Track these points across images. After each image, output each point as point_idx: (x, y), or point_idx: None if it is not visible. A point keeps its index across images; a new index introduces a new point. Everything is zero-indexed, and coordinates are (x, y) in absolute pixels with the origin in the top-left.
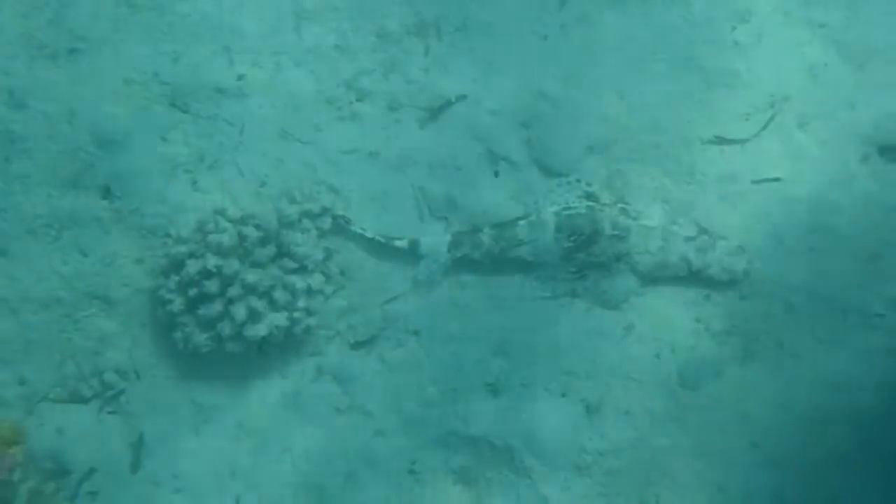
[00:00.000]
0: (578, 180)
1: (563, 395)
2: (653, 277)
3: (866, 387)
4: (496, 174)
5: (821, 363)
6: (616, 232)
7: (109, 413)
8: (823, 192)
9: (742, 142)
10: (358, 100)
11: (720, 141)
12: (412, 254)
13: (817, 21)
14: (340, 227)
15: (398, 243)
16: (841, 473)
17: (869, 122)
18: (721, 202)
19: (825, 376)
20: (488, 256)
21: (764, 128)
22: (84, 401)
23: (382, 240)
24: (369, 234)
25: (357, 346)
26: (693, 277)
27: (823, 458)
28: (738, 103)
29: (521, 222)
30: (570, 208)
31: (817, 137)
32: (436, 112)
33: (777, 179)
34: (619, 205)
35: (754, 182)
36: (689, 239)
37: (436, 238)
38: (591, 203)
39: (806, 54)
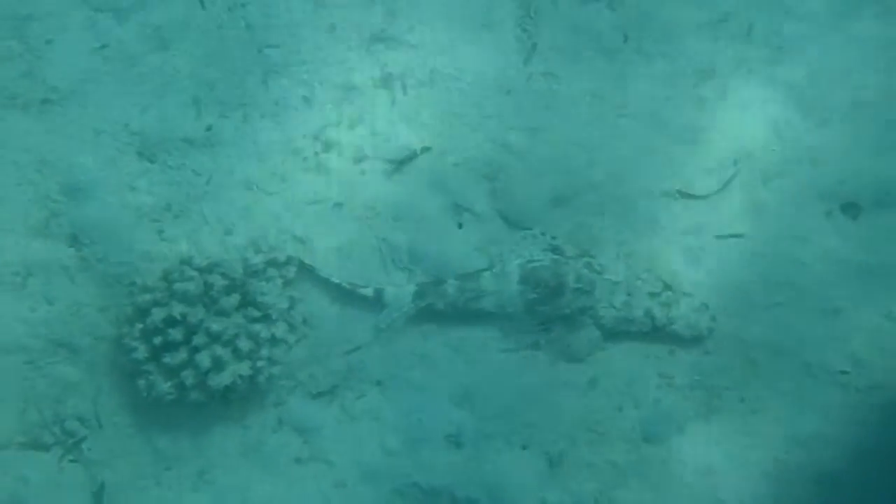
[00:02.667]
0: (543, 233)
1: (525, 448)
2: (617, 332)
3: (830, 443)
4: (460, 226)
5: (784, 419)
6: (580, 285)
7: (71, 461)
8: (786, 247)
9: (705, 197)
10: (324, 151)
11: (684, 196)
12: (376, 302)
13: (780, 79)
14: (305, 274)
15: (363, 291)
16: None
17: (831, 179)
18: (684, 257)
19: (789, 432)
20: (452, 307)
21: (727, 183)
22: (46, 448)
23: (348, 286)
24: (335, 280)
25: (318, 395)
26: (657, 333)
27: None
28: (702, 158)
29: (486, 273)
30: (534, 260)
31: (780, 194)
32: (400, 164)
33: (740, 235)
34: (584, 258)
35: (718, 237)
36: (653, 294)
37: (400, 288)
38: (555, 256)
39: (769, 111)
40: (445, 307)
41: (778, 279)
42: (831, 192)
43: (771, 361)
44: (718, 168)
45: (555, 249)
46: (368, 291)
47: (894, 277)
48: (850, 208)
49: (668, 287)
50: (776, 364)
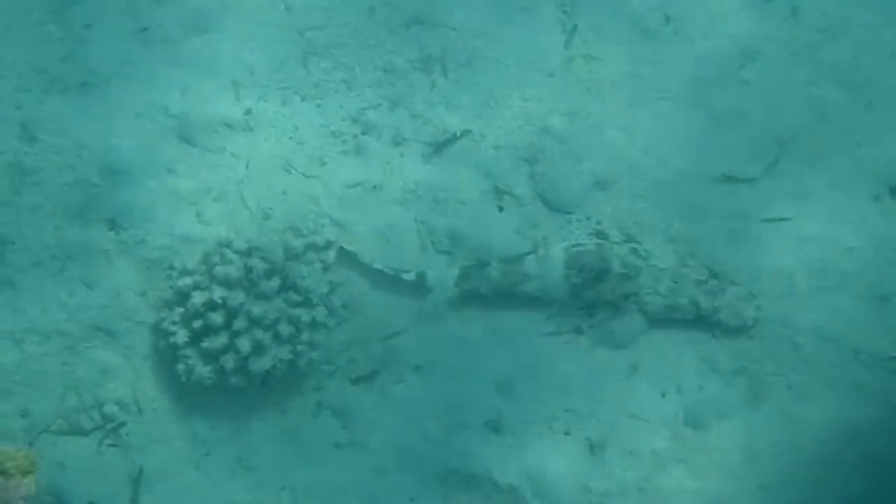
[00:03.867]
0: (588, 217)
1: (567, 434)
2: (661, 319)
3: (878, 431)
4: (500, 209)
5: (831, 406)
6: (625, 271)
7: (110, 446)
8: (833, 231)
9: (750, 180)
10: (363, 133)
11: (728, 179)
12: (419, 287)
13: (826, 60)
14: (345, 259)
15: (405, 276)
16: None
17: (879, 161)
18: (729, 241)
19: (835, 419)
20: (496, 291)
21: (772, 166)
22: (84, 433)
23: (390, 272)
24: (377, 266)
25: (358, 380)
26: (701, 321)
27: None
28: (746, 141)
29: (530, 257)
30: (579, 245)
31: (827, 177)
32: (440, 146)
33: (786, 219)
34: (630, 244)
35: (763, 221)
36: (699, 282)
37: (443, 271)
38: (600, 241)
39: (814, 93)
40: (489, 291)
41: (825, 264)
42: (878, 175)
43: (818, 347)
44: (763, 151)
45: (599, 234)
46: (411, 276)
47: None
48: None
49: (714, 275)
50: (824, 350)
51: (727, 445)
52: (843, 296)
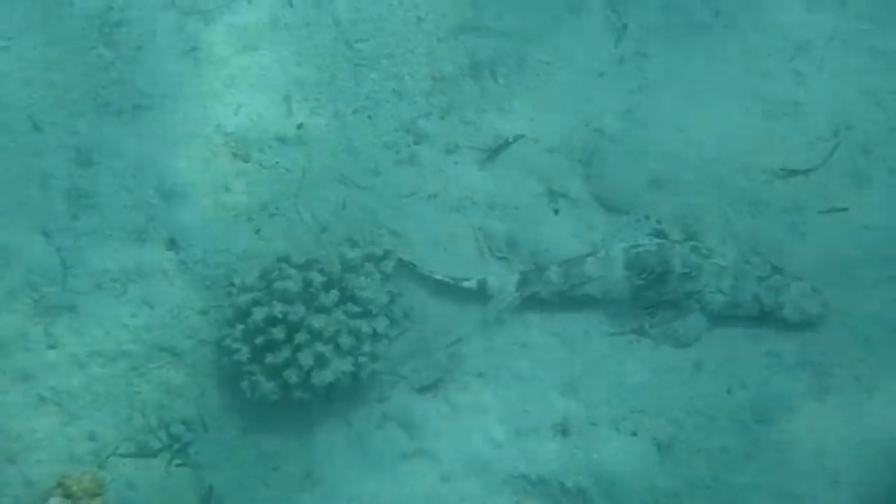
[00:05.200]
0: (647, 217)
1: (634, 434)
2: (724, 317)
3: None
4: (556, 212)
5: None
6: (687, 270)
7: (178, 465)
8: (893, 220)
9: (806, 172)
10: (416, 143)
11: (784, 172)
12: (480, 294)
13: (878, 49)
14: (403, 269)
15: (466, 284)
16: None
17: None
18: (789, 234)
19: None
20: (556, 294)
21: (829, 157)
22: (153, 454)
23: (450, 281)
24: (437, 276)
25: (422, 389)
26: (765, 318)
27: None
28: (801, 133)
29: (590, 259)
30: (639, 245)
31: (884, 164)
32: (493, 152)
33: (845, 209)
34: (690, 242)
35: (821, 212)
36: (761, 278)
37: (503, 277)
38: (660, 240)
39: (866, 82)
40: (549, 295)
41: (887, 253)
42: None
43: (885, 338)
44: (818, 142)
45: (659, 233)
46: (472, 284)
47: None
48: None
49: (777, 270)
50: (890, 340)
51: (796, 440)
52: None
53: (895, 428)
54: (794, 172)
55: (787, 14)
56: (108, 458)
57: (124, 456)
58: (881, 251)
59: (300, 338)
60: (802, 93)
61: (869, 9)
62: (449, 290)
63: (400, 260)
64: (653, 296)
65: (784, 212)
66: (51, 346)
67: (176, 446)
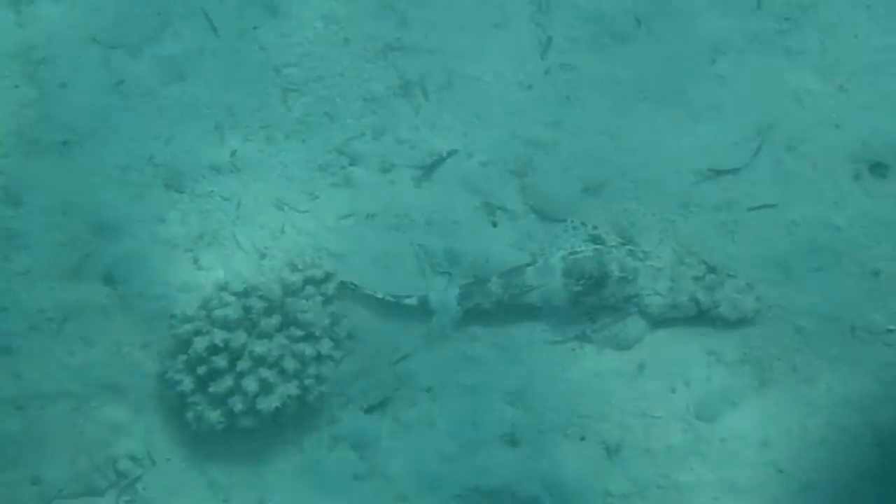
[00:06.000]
0: (584, 224)
1: (582, 439)
2: (663, 318)
3: (884, 402)
4: (494, 224)
5: (837, 384)
6: (624, 274)
7: (127, 502)
8: (819, 213)
9: (734, 171)
10: (351, 164)
11: (712, 172)
12: (423, 310)
13: (794, 47)
14: (346, 290)
15: (408, 301)
16: (869, 491)
17: (856, 141)
18: (720, 233)
19: (842, 396)
20: (498, 305)
21: (754, 155)
22: (100, 493)
23: (392, 299)
24: (379, 295)
25: (371, 409)
26: (702, 317)
27: (850, 479)
28: (726, 134)
29: (529, 269)
30: (576, 252)
31: (807, 160)
32: (429, 169)
33: (773, 205)
34: (626, 246)
35: (750, 209)
36: (697, 278)
37: (445, 292)
38: (597, 246)
39: (787, 81)
40: (491, 306)
41: (815, 245)
42: (857, 154)
43: (818, 328)
44: (743, 141)
45: (596, 239)
46: (413, 301)
47: None
48: (878, 168)
49: (711, 269)
50: (823, 330)
51: (740, 434)
52: (836, 275)
53: (834, 415)
54: (721, 172)
55: (704, 20)
56: (52, 501)
57: (70, 497)
58: (809, 244)
59: (243, 365)
60: (725, 95)
61: (783, 8)
62: (392, 308)
63: (342, 282)
64: (592, 301)
65: (715, 211)
66: None
67: (124, 483)
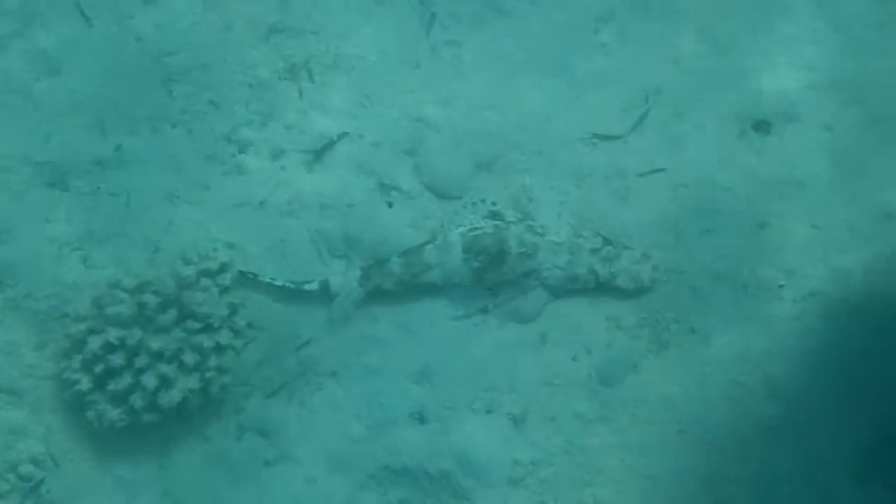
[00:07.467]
0: (483, 200)
1: (489, 412)
2: (563, 291)
3: (780, 356)
4: (390, 205)
5: (732, 340)
6: (523, 249)
7: None
8: (707, 173)
9: (622, 138)
10: (240, 152)
11: (602, 140)
12: (323, 295)
13: (673, 10)
14: (244, 280)
15: (308, 286)
16: (767, 444)
17: (740, 101)
18: (612, 200)
19: (738, 352)
20: (399, 284)
21: (641, 121)
22: (3, 497)
23: (292, 286)
24: (278, 283)
25: (275, 395)
26: (601, 288)
27: (749, 432)
28: (613, 101)
29: (428, 247)
30: (475, 229)
31: (694, 123)
32: (319, 153)
33: (662, 170)
34: (525, 222)
35: (640, 175)
36: (594, 250)
37: (345, 275)
38: (496, 222)
39: (669, 45)
40: (393, 286)
41: (705, 206)
42: (741, 114)
43: (712, 287)
44: (631, 108)
45: (495, 215)
46: (314, 285)
47: (813, 187)
48: (762, 126)
49: (608, 241)
50: (717, 289)
51: (642, 396)
52: (726, 234)
53: (732, 371)
54: (610, 138)
55: None
56: None
57: None
58: (698, 206)
59: (141, 361)
60: (610, 63)
61: None
62: (292, 294)
63: (240, 271)
64: (493, 277)
65: (606, 179)
66: None
67: (27, 486)
